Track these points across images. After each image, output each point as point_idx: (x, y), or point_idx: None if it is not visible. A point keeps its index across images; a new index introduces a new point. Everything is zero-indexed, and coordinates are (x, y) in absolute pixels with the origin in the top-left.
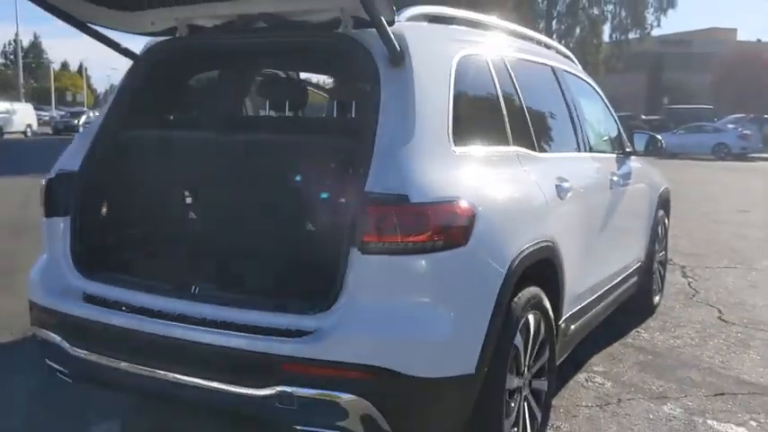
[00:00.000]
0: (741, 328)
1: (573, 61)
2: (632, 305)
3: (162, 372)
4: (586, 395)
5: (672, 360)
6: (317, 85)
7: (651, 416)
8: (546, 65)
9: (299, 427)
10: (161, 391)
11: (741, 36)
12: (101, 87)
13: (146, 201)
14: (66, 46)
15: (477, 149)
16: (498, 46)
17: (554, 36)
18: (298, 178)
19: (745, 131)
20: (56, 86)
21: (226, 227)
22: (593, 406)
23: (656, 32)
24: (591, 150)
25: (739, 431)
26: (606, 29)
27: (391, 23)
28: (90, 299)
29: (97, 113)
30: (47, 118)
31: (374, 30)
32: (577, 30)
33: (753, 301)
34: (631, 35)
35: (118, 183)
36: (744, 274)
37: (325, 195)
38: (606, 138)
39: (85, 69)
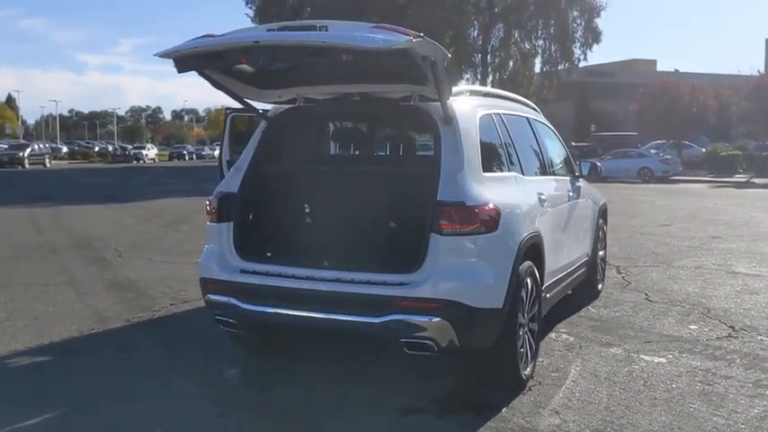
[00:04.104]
0: (662, 304)
1: (537, 111)
2: (582, 291)
3: (309, 313)
4: (556, 345)
5: (614, 324)
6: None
7: (602, 354)
8: (523, 116)
9: (402, 340)
10: (308, 325)
11: (660, 66)
12: (31, 119)
13: (280, 211)
14: None
15: (494, 174)
16: (497, 106)
17: (489, 69)
18: (388, 192)
19: (666, 156)
20: None
21: (340, 226)
22: (562, 350)
23: (582, 64)
24: (554, 174)
25: (660, 360)
26: (537, 62)
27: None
28: (251, 273)
29: (41, 146)
30: None
31: (434, 103)
32: (511, 63)
33: (671, 288)
34: (560, 67)
35: (262, 199)
36: (665, 271)
37: (407, 203)
38: (562, 165)
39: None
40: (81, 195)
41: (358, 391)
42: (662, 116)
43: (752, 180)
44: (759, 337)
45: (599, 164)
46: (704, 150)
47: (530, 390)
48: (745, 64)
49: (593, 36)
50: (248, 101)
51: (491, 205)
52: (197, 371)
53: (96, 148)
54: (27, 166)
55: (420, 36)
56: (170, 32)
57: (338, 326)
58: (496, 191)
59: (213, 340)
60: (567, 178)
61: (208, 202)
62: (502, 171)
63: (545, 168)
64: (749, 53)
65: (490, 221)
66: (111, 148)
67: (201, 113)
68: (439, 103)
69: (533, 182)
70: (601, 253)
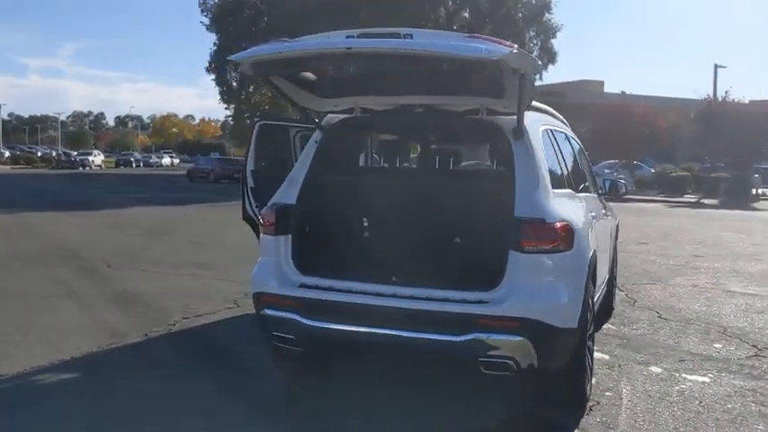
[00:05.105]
0: (676, 323)
1: (568, 126)
2: (600, 308)
3: (380, 330)
4: (596, 363)
5: (640, 342)
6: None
7: (644, 373)
8: (563, 132)
9: (482, 359)
10: (379, 343)
11: (607, 88)
12: None
13: (341, 224)
14: None
15: (557, 191)
16: (549, 122)
17: None
18: (455, 207)
19: (619, 176)
20: None
21: (405, 241)
22: (603, 369)
23: (537, 83)
24: (589, 191)
25: (704, 380)
26: None
27: None
28: (313, 288)
29: None
30: None
31: (502, 117)
32: None
33: (678, 306)
34: None
35: (321, 212)
36: (663, 289)
37: (475, 218)
38: (592, 181)
39: None
40: (42, 202)
41: (417, 412)
42: (613, 136)
43: (701, 200)
44: None
45: (622, 181)
46: (653, 171)
47: (591, 410)
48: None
49: (548, 56)
50: (306, 109)
51: (566, 223)
52: (240, 390)
53: (39, 153)
54: None
55: (515, 47)
56: (113, 37)
57: (414, 344)
58: (565, 208)
59: (244, 357)
60: (596, 195)
61: (263, 214)
62: (561, 188)
63: (584, 185)
64: (694, 77)
65: (567, 239)
66: (54, 154)
67: (146, 120)
68: (507, 117)
69: (582, 198)
70: (614, 271)
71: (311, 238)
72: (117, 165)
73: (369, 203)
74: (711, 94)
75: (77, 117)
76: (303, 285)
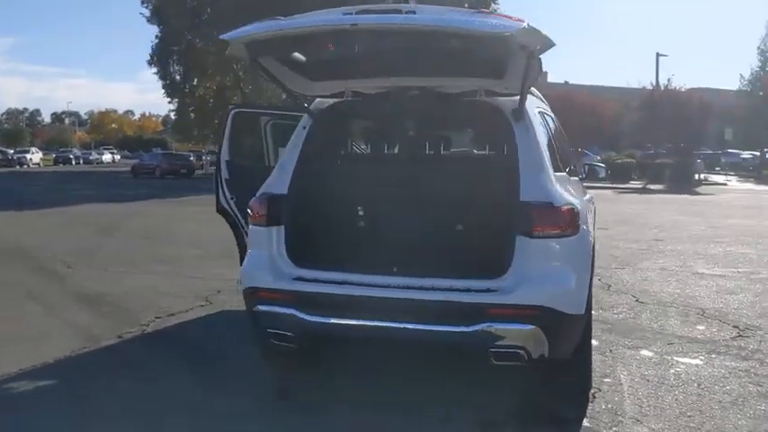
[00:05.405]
0: (654, 306)
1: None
2: None
3: (385, 323)
4: None
5: (625, 327)
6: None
7: (637, 358)
8: (551, 115)
9: (492, 350)
10: (384, 336)
11: (551, 79)
12: None
13: (336, 213)
14: None
15: (556, 173)
16: (539, 104)
17: None
18: (455, 192)
19: (597, 160)
20: None
21: (404, 229)
22: (597, 354)
23: None
24: (575, 175)
25: (696, 362)
26: None
27: None
28: (311, 281)
29: None
30: None
31: (501, 98)
32: None
33: (652, 289)
34: None
35: (315, 201)
36: (633, 273)
37: (477, 203)
38: (574, 165)
39: None
40: None
41: (425, 404)
42: (563, 125)
43: (647, 186)
44: None
45: (601, 166)
46: (598, 159)
47: (594, 398)
48: (632, 77)
49: None
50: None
51: (572, 206)
52: (230, 390)
53: None
54: None
55: (526, 22)
56: (48, 32)
57: (422, 336)
58: (567, 191)
59: (227, 355)
60: (578, 179)
61: (252, 205)
62: (557, 171)
63: (571, 168)
64: (636, 67)
65: (574, 223)
66: None
67: (84, 116)
68: (506, 99)
69: (573, 181)
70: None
71: (305, 229)
72: (56, 162)
73: (363, 191)
74: (654, 83)
75: (12, 114)
76: (300, 278)
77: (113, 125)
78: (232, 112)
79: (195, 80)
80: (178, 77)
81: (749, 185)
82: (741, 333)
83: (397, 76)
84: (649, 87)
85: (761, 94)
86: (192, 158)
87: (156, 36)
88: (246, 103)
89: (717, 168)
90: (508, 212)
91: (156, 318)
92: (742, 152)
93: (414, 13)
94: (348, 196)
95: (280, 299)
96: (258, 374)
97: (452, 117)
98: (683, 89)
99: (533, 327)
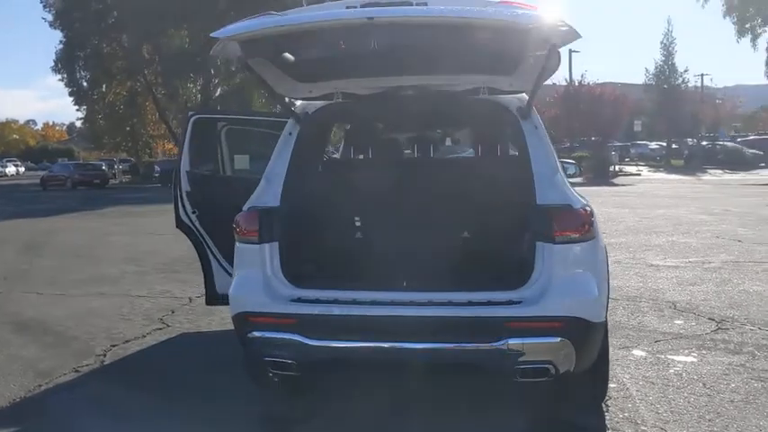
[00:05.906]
0: (624, 301)
1: None
2: None
3: (401, 344)
4: None
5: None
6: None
7: (631, 358)
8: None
9: (518, 366)
10: (399, 358)
11: None
12: None
13: (334, 225)
14: None
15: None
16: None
17: None
18: (463, 197)
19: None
20: None
21: (411, 239)
22: None
23: None
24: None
25: (691, 360)
26: None
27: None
28: (313, 301)
29: None
30: None
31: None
32: None
33: (616, 284)
34: None
35: (310, 213)
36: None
37: (487, 208)
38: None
39: None
40: None
41: (435, 425)
42: None
43: None
44: (748, 327)
45: (570, 162)
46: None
47: (608, 407)
48: None
49: None
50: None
51: (589, 209)
52: (218, 420)
53: None
54: None
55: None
56: None
57: (440, 356)
58: (576, 193)
59: (203, 384)
60: None
61: (238, 221)
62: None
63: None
64: None
65: (593, 226)
66: None
67: None
68: (510, 96)
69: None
70: None
71: (302, 245)
72: None
73: (362, 200)
74: (567, 78)
75: None
76: (299, 300)
77: (15, 136)
78: (192, 118)
79: (104, 86)
80: (85, 84)
81: (661, 175)
82: (720, 326)
83: (397, 75)
84: (563, 83)
85: (665, 87)
86: (104, 168)
87: (61, 41)
88: (206, 109)
89: (626, 159)
90: (523, 217)
91: (112, 346)
92: (650, 143)
93: (425, 4)
94: (347, 206)
95: (278, 323)
96: (250, 406)
97: (456, 117)
98: (595, 84)
99: (561, 339)
